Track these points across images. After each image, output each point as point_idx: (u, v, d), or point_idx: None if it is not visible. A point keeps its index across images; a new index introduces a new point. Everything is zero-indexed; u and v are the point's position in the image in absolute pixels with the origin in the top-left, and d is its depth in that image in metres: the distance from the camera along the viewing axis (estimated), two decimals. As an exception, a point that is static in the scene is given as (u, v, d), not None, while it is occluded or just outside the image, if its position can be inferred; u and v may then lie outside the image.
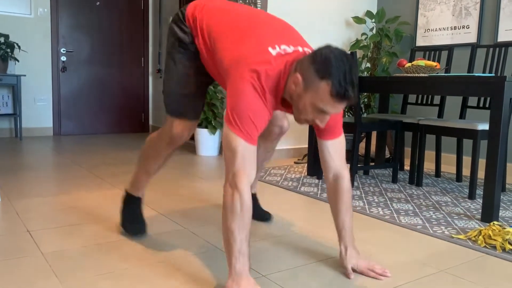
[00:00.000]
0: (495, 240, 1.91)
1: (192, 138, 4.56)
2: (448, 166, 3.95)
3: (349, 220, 1.64)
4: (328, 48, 1.36)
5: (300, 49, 1.51)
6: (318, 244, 1.90)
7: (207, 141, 4.17)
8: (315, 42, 4.19)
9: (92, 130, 5.64)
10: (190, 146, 4.71)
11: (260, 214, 2.18)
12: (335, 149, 1.62)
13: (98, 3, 5.49)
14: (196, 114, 1.76)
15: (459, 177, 3.28)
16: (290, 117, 2.32)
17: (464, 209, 2.53)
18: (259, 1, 3.92)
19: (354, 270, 1.60)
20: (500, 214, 2.45)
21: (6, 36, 4.75)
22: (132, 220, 1.94)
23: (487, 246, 1.92)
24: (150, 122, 6.06)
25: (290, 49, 1.48)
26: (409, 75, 2.81)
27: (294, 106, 1.44)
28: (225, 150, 1.41)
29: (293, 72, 1.39)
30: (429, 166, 3.92)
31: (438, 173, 3.43)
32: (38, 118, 5.22)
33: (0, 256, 1.66)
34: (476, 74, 2.40)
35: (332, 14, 4.31)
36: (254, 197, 2.19)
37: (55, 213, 2.22)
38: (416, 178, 3.10)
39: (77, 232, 1.95)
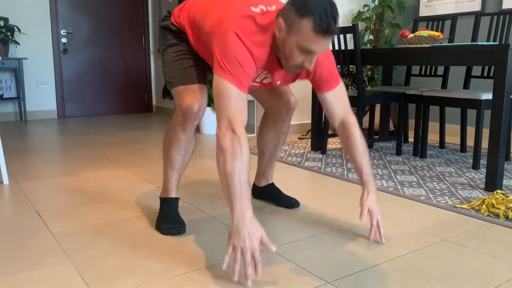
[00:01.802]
0: (498, 208, 1.92)
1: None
2: (452, 137, 3.94)
3: (367, 164, 1.66)
4: None
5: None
6: (321, 218, 1.92)
7: (210, 119, 4.18)
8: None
9: (96, 111, 5.65)
10: (194, 124, 4.71)
11: (286, 201, 2.06)
12: (336, 98, 1.64)
13: (96, -17, 5.42)
14: (200, 78, 1.67)
15: (463, 147, 3.28)
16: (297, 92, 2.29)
17: (468, 179, 2.53)
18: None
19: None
20: (504, 183, 2.46)
21: (6, 20, 4.73)
22: (169, 222, 1.75)
23: (490, 214, 1.93)
24: (154, 102, 6.06)
25: (273, 8, 1.50)
26: (412, 46, 2.78)
27: (281, 55, 1.44)
28: (217, 97, 1.39)
29: (276, 20, 1.40)
30: (433, 137, 3.92)
31: (442, 144, 3.42)
32: (41, 101, 5.24)
33: (11, 236, 1.70)
34: (480, 43, 2.37)
35: (333, -14, 4.23)
36: (273, 186, 2.12)
37: (63, 194, 2.25)
38: (420, 150, 3.10)
39: (85, 212, 1.98)
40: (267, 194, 2.11)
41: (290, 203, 2.04)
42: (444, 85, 3.39)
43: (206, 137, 4.02)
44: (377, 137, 3.81)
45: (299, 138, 3.91)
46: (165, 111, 5.77)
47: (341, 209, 2.03)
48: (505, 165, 2.85)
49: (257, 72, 1.48)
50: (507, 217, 1.89)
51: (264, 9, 1.47)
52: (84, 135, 4.11)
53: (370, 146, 3.48)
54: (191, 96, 1.63)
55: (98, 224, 1.84)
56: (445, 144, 3.56)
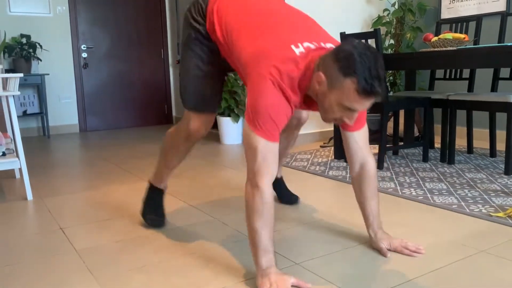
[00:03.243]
0: (537, 216, 1.83)
1: (216, 127, 4.55)
2: (480, 142, 3.82)
3: (376, 206, 1.64)
4: (350, 43, 1.30)
5: (323, 45, 1.45)
6: (350, 229, 1.86)
7: (230, 130, 4.15)
8: (335, 22, 4.09)
9: (117, 124, 5.69)
10: (214, 135, 4.70)
11: (287, 197, 2.22)
12: (360, 139, 1.59)
13: (114, -3, 5.49)
14: (213, 108, 1.75)
15: (493, 152, 3.16)
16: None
17: (501, 186, 2.43)
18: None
19: (388, 250, 1.59)
20: (539, 189, 2.35)
21: (28, 37, 4.81)
22: (152, 212, 1.96)
23: (528, 223, 1.84)
24: (174, 113, 6.08)
25: (313, 46, 1.42)
26: (436, 49, 2.70)
27: (319, 105, 1.39)
28: (246, 149, 1.39)
29: (316, 71, 1.34)
30: (460, 142, 3.80)
31: (470, 149, 3.32)
32: (63, 116, 5.30)
33: (36, 254, 1.68)
34: (509, 44, 2.28)
35: (351, -8, 4.18)
36: (280, 181, 2.24)
37: (86, 209, 2.24)
38: (447, 155, 3.00)
39: (108, 227, 1.96)
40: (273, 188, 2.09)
41: (290, 200, 2.19)
42: (470, 89, 3.29)
43: (227, 147, 3.99)
44: (402, 143, 3.72)
45: (321, 146, 3.85)
46: (185, 122, 5.77)
47: (369, 220, 1.96)
48: (539, 170, 2.74)
49: (292, 112, 1.43)
50: (547, 226, 1.79)
51: (305, 50, 1.40)
52: (105, 148, 4.13)
53: (395, 153, 3.40)
54: (199, 122, 1.73)
55: (122, 240, 1.81)
56: (474, 149, 3.45)
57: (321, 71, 1.32)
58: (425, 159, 3.09)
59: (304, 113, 1.96)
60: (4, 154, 2.46)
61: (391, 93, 4.23)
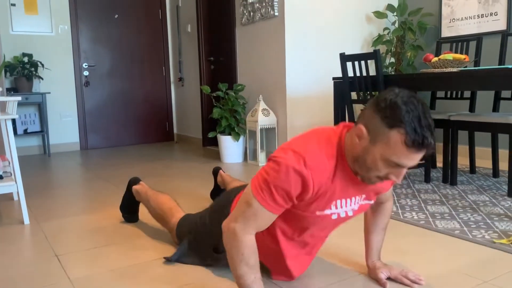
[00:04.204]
0: (541, 244, 1.78)
1: (217, 144, 4.53)
2: (483, 160, 3.78)
3: (381, 241, 1.62)
4: (391, 91, 1.19)
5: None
6: (350, 256, 1.82)
7: (231, 148, 4.13)
8: (336, 41, 4.09)
9: (118, 142, 5.68)
10: (215, 153, 4.68)
11: None
12: (387, 195, 1.57)
13: (116, 16, 5.53)
14: None
15: (495, 172, 3.13)
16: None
17: (504, 209, 2.39)
18: (276, 3, 3.85)
19: (388, 279, 1.55)
20: (544, 212, 2.31)
21: (30, 56, 4.84)
22: (129, 210, 2.37)
23: (533, 251, 1.79)
24: (175, 131, 6.07)
25: (338, 129, 1.36)
26: (436, 70, 2.69)
27: (361, 165, 1.25)
28: (241, 200, 1.32)
29: (354, 127, 1.24)
30: (462, 161, 3.77)
31: (472, 169, 3.28)
32: (65, 134, 5.30)
33: (29, 284, 1.65)
34: (510, 66, 2.27)
35: (351, 11, 4.19)
36: None
37: (83, 234, 2.21)
38: (450, 176, 2.97)
39: (104, 255, 1.93)
40: None
41: None
42: (472, 109, 3.27)
43: (228, 165, 3.96)
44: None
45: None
46: (186, 139, 5.76)
47: (370, 247, 1.92)
48: (543, 192, 2.70)
49: (314, 189, 1.27)
50: (552, 254, 1.75)
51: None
52: (105, 167, 4.11)
53: (396, 173, 3.36)
54: None
55: (119, 268, 1.77)
56: (476, 169, 3.41)
57: (361, 124, 1.21)
58: (427, 179, 3.06)
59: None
60: (1, 177, 2.44)
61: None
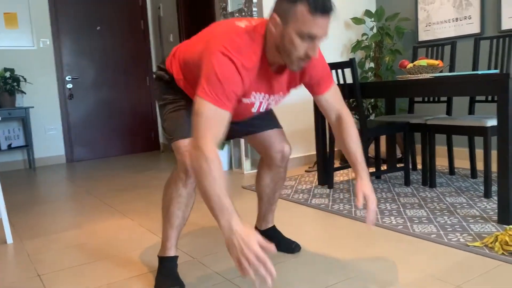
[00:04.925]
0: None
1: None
2: (462, 161, 3.86)
3: (360, 152, 1.68)
4: None
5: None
6: (329, 265, 1.86)
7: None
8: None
9: (104, 153, 5.68)
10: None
11: (286, 245, 2.03)
12: (331, 97, 1.69)
13: (98, 28, 5.54)
14: None
15: (473, 173, 3.19)
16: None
17: (480, 210, 2.45)
18: (255, 10, 3.90)
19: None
20: (517, 213, 2.37)
21: (12, 70, 4.83)
22: (168, 284, 1.70)
23: (504, 253, 1.85)
24: (161, 140, 6.08)
25: (256, 21, 1.50)
26: (411, 78, 2.75)
27: (282, 52, 1.40)
28: (194, 116, 1.38)
29: (270, 18, 1.39)
30: (443, 162, 3.84)
31: (452, 170, 3.35)
32: (50, 147, 5.29)
33: (11, 306, 1.67)
34: (480, 72, 2.33)
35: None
36: (274, 230, 2.09)
37: (66, 252, 2.22)
38: (429, 179, 3.03)
39: (86, 273, 1.95)
40: (268, 238, 2.05)
41: (290, 248, 2.00)
42: (449, 111, 3.34)
43: (213, 175, 3.98)
44: (385, 166, 3.75)
45: (306, 171, 3.86)
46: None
47: (348, 253, 1.96)
48: (518, 192, 2.77)
49: (244, 82, 1.41)
50: (522, 255, 1.81)
51: (249, 23, 1.48)
52: (90, 181, 4.12)
53: (378, 176, 3.42)
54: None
55: (99, 286, 1.79)
56: (455, 170, 3.48)
57: (274, 14, 1.37)
58: (407, 183, 3.12)
59: (286, 147, 1.92)
60: (-17, 197, 2.44)
61: (373, 116, 4.28)
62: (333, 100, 1.69)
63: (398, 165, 3.52)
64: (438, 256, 1.89)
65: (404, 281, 1.67)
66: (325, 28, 1.35)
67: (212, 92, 1.35)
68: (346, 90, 2.90)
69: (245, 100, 1.55)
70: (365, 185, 1.59)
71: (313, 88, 1.67)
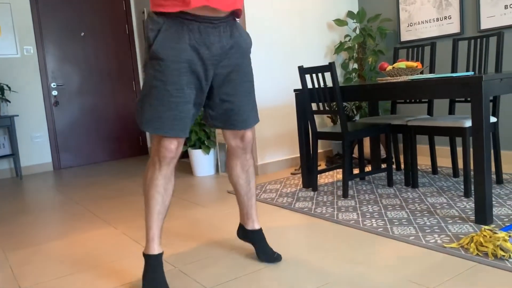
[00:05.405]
0: (486, 247, 1.88)
1: (188, 156, 4.56)
2: (445, 159, 3.90)
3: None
4: None
5: None
6: (312, 269, 1.88)
7: (202, 162, 4.17)
8: (298, 50, 4.17)
9: (92, 159, 5.67)
10: (187, 166, 4.72)
11: (267, 255, 2.01)
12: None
13: (82, 34, 5.52)
14: (187, 129, 1.72)
15: (455, 172, 3.24)
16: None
17: (460, 210, 2.49)
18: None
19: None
20: (495, 212, 2.41)
21: (-5, 79, 4.80)
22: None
23: (479, 253, 1.88)
24: (148, 144, 6.08)
25: None
26: (389, 80, 2.78)
27: None
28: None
29: None
30: (426, 161, 3.88)
31: (434, 170, 3.39)
32: (36, 155, 5.27)
33: (-10, 321, 1.67)
34: (455, 75, 2.37)
35: (312, 21, 4.28)
36: (260, 235, 2.05)
37: (49, 264, 2.23)
38: (411, 179, 3.06)
39: (69, 284, 1.95)
40: (252, 240, 2.07)
41: (272, 258, 2.00)
42: (430, 111, 3.38)
43: (200, 179, 4.00)
44: (369, 167, 3.78)
45: (292, 174, 3.89)
46: (160, 153, 5.77)
47: (328, 257, 1.99)
48: (498, 190, 2.81)
49: None
50: (496, 256, 1.84)
51: None
52: (77, 188, 4.11)
53: (362, 178, 3.45)
54: (171, 145, 1.69)
55: (80, 298, 1.80)
56: (438, 169, 3.53)
57: None
58: (390, 183, 3.15)
59: (248, 132, 1.90)
60: (-36, 211, 2.44)
61: (357, 116, 4.31)
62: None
63: (382, 165, 3.55)
64: (415, 258, 1.92)
65: (379, 285, 1.70)
66: None
67: None
68: (327, 94, 2.92)
69: None
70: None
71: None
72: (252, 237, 2.07)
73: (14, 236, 2.74)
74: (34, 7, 5.18)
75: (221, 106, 1.83)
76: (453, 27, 3.83)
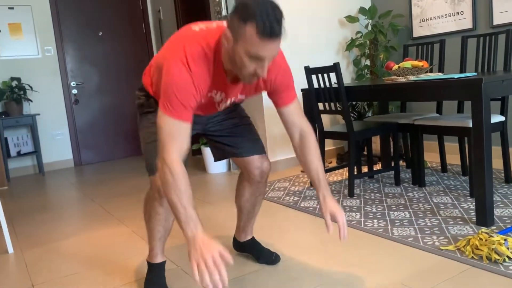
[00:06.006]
0: (481, 250, 1.89)
1: (201, 153, 4.65)
2: (456, 156, 3.87)
3: (322, 170, 1.71)
4: None
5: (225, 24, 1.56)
6: (308, 270, 1.94)
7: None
8: (311, 46, 4.19)
9: (110, 156, 5.83)
10: (200, 163, 4.81)
11: (265, 256, 2.06)
12: (294, 112, 1.71)
13: (100, 34, 5.66)
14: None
15: (464, 171, 3.22)
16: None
17: (463, 211, 2.49)
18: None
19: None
20: (498, 213, 2.40)
21: (18, 79, 4.99)
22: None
23: (474, 256, 1.90)
24: (166, 140, 6.20)
25: (213, 25, 1.53)
26: (395, 80, 2.78)
27: (233, 66, 1.43)
28: (158, 130, 1.46)
29: (224, 32, 1.41)
30: (436, 158, 3.86)
31: (444, 168, 3.37)
32: (58, 152, 5.46)
33: (3, 317, 1.79)
34: (456, 76, 2.36)
35: (323, 16, 4.28)
36: (253, 242, 2.12)
37: (61, 261, 2.35)
38: (418, 178, 3.07)
39: (77, 282, 2.06)
40: (248, 250, 2.13)
41: (271, 259, 2.05)
42: (439, 109, 3.36)
43: (212, 176, 4.09)
44: (380, 164, 3.78)
45: (301, 171, 3.93)
46: (177, 149, 5.89)
47: (326, 258, 2.03)
48: (506, 189, 2.79)
49: (201, 93, 1.47)
50: (490, 260, 1.85)
51: (204, 27, 1.52)
52: (93, 185, 4.26)
53: (371, 176, 3.46)
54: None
55: (87, 295, 1.91)
56: (449, 167, 3.51)
57: (227, 28, 1.39)
58: (397, 182, 3.16)
59: (266, 163, 1.91)
60: (-16, 210, 2.58)
61: (369, 113, 4.30)
62: (296, 114, 1.70)
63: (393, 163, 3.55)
64: (411, 260, 1.95)
65: (368, 286, 1.74)
66: (274, 50, 1.36)
67: (170, 106, 1.42)
68: (332, 94, 2.95)
69: (208, 94, 1.59)
70: (330, 204, 1.63)
71: (276, 97, 1.67)
72: (246, 248, 2.13)
73: (32, 235, 2.88)
74: (53, 8, 5.34)
75: (227, 139, 1.90)
76: (466, 22, 3.77)
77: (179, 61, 1.42)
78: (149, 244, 1.86)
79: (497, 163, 3.44)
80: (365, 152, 4.04)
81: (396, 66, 2.94)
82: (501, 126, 2.85)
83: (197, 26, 1.53)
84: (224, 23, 1.51)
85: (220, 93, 1.59)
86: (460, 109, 3.21)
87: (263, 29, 1.30)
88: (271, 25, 1.30)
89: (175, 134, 1.42)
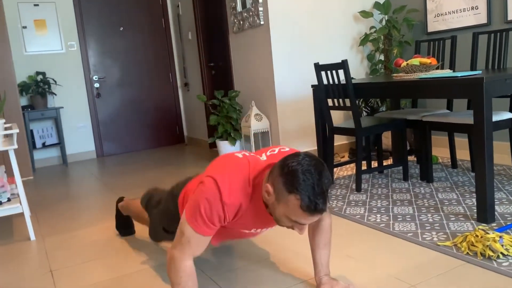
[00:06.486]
0: (476, 246, 1.94)
1: (216, 147, 4.77)
2: (466, 152, 3.86)
3: (327, 256, 1.75)
4: (295, 158, 1.37)
5: (287, 149, 1.62)
6: (302, 264, 2.02)
7: (228, 152, 4.35)
8: (325, 41, 4.23)
9: (132, 147, 6.02)
10: (215, 156, 4.92)
11: None
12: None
13: (121, 29, 5.82)
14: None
15: (474, 167, 3.22)
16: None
17: (466, 208, 2.53)
18: (261, 12, 4.02)
19: None
20: (502, 210, 2.42)
21: (43, 74, 5.20)
22: (124, 226, 2.60)
23: (469, 253, 1.95)
24: (185, 133, 6.36)
25: (263, 158, 1.61)
26: (403, 77, 2.82)
27: (271, 212, 1.47)
28: (178, 228, 1.56)
29: (266, 181, 1.44)
30: (447, 153, 3.86)
31: (454, 163, 3.39)
32: (81, 143, 5.67)
33: (24, 299, 1.95)
34: (460, 75, 2.39)
35: (337, 13, 4.31)
36: None
37: (79, 248, 2.50)
38: (426, 174, 3.10)
39: (93, 268, 2.21)
40: None
41: None
42: (449, 105, 3.37)
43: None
44: (391, 159, 3.82)
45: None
46: (195, 141, 6.03)
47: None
48: (512, 187, 2.80)
49: (227, 220, 1.50)
50: (484, 256, 1.90)
51: (247, 154, 1.58)
52: (116, 176, 4.43)
53: (380, 171, 3.51)
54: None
55: (101, 281, 2.05)
56: (459, 163, 3.52)
57: (269, 183, 1.41)
58: (405, 178, 3.20)
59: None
60: (9, 199, 2.77)
61: (383, 108, 4.33)
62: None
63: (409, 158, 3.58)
64: (407, 255, 2.01)
65: (361, 280, 1.82)
66: (314, 220, 1.39)
67: (195, 221, 1.49)
68: (341, 90, 3.00)
69: (243, 230, 1.68)
70: (328, 283, 1.68)
71: None
72: None
73: (53, 223, 3.06)
74: (76, 4, 5.52)
75: None
76: (480, 17, 3.75)
77: (215, 188, 1.45)
78: (132, 212, 2.33)
79: (506, 159, 3.43)
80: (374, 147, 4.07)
81: (404, 63, 2.97)
82: (510, 123, 2.85)
83: (240, 153, 1.59)
84: (264, 156, 1.61)
85: (255, 229, 1.68)
86: (470, 106, 3.22)
87: (307, 205, 1.32)
88: (315, 201, 1.32)
89: (193, 244, 1.52)
